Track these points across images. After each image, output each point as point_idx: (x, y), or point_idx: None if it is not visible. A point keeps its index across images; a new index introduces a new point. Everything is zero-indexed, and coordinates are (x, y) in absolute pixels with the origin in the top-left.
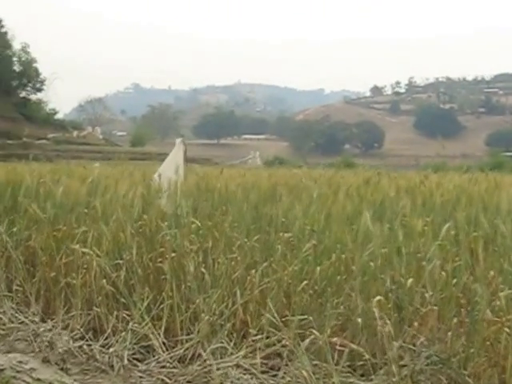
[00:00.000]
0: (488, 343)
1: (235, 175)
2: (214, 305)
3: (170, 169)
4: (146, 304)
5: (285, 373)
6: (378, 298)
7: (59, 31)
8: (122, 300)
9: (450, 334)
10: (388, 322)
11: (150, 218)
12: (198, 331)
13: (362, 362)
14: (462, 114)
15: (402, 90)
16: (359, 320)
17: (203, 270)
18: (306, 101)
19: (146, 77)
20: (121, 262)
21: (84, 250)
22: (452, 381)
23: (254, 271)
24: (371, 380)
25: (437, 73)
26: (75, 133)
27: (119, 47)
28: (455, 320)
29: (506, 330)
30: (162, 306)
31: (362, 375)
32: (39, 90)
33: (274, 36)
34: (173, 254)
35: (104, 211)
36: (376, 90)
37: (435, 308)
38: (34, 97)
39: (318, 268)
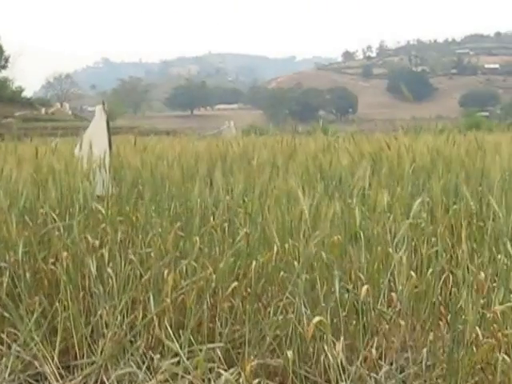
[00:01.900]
0: (478, 368)
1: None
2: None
3: (93, 142)
4: (35, 318)
5: None
6: (318, 318)
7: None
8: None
9: (424, 352)
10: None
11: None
12: (101, 352)
13: None
14: (434, 75)
15: (374, 55)
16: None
17: (109, 270)
18: (278, 69)
19: (115, 51)
20: (4, 265)
21: None
22: None
23: (166, 271)
24: None
25: (408, 36)
26: (43, 110)
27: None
28: (431, 336)
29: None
30: (56, 321)
31: None
32: (3, 67)
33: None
34: (66, 253)
35: None
36: (348, 55)
37: (402, 322)
38: None
39: (254, 263)
